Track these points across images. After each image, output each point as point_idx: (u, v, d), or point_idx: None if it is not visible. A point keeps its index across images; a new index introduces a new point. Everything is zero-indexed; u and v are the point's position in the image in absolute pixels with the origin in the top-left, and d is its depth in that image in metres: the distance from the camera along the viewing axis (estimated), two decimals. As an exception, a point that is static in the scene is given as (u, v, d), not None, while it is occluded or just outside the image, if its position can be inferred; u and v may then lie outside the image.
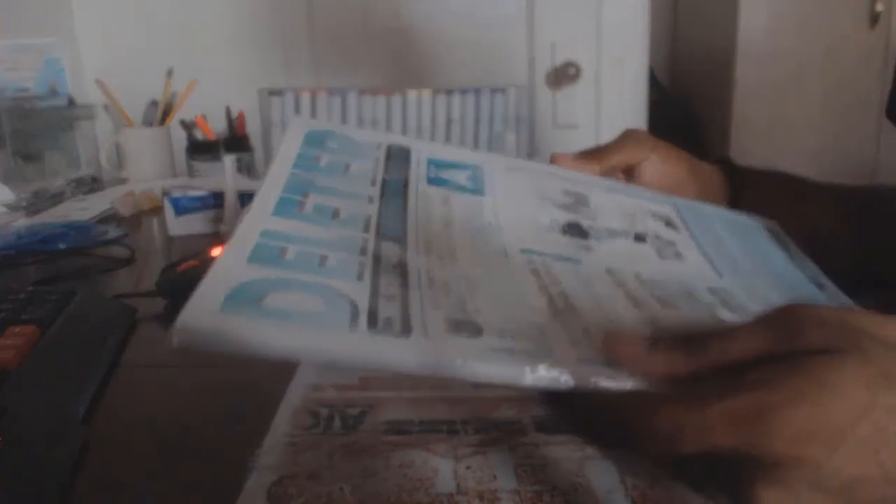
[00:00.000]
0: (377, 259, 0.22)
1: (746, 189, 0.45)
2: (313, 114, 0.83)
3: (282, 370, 0.35)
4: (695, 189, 0.42)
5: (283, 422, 0.30)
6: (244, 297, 0.19)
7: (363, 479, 0.25)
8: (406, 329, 0.19)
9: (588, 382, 0.19)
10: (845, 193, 0.48)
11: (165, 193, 0.73)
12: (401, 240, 0.24)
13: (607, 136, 0.43)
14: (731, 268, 0.31)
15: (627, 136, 0.42)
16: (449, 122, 0.84)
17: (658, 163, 0.42)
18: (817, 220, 0.45)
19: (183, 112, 1.12)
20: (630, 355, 0.21)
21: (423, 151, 0.30)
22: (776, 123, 1.59)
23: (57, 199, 0.95)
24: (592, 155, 0.39)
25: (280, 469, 0.26)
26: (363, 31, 1.30)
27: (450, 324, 0.20)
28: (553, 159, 0.38)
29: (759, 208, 0.42)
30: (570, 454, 0.27)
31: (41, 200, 0.91)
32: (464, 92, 0.84)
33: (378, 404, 0.31)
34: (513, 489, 0.25)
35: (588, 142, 0.43)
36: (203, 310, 0.19)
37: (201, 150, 1.02)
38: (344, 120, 0.83)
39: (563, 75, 1.32)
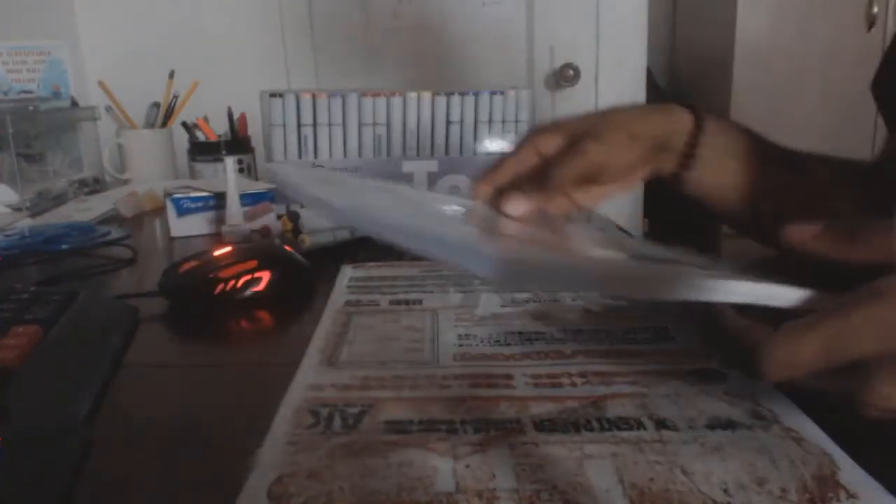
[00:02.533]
0: None
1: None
2: (314, 115, 0.83)
3: (282, 370, 0.35)
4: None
5: (283, 421, 0.30)
6: None
7: (363, 478, 0.26)
8: None
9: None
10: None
11: (167, 194, 0.73)
12: None
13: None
14: None
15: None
16: (448, 123, 0.84)
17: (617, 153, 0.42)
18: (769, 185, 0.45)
19: (185, 113, 1.12)
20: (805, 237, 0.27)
21: None
22: (774, 124, 1.59)
23: (60, 199, 0.95)
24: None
25: (280, 468, 0.26)
26: (363, 32, 1.31)
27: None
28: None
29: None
30: (568, 453, 0.27)
31: (44, 201, 0.92)
32: (463, 94, 0.84)
33: (378, 404, 0.31)
34: (511, 488, 0.25)
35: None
36: None
37: (203, 151, 1.02)
38: (344, 121, 0.83)
39: (562, 77, 1.32)
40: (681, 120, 0.44)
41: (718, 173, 0.44)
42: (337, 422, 0.30)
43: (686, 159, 0.43)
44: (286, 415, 0.30)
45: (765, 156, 0.45)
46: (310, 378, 0.34)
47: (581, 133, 0.42)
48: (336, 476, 0.26)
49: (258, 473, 0.26)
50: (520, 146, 0.43)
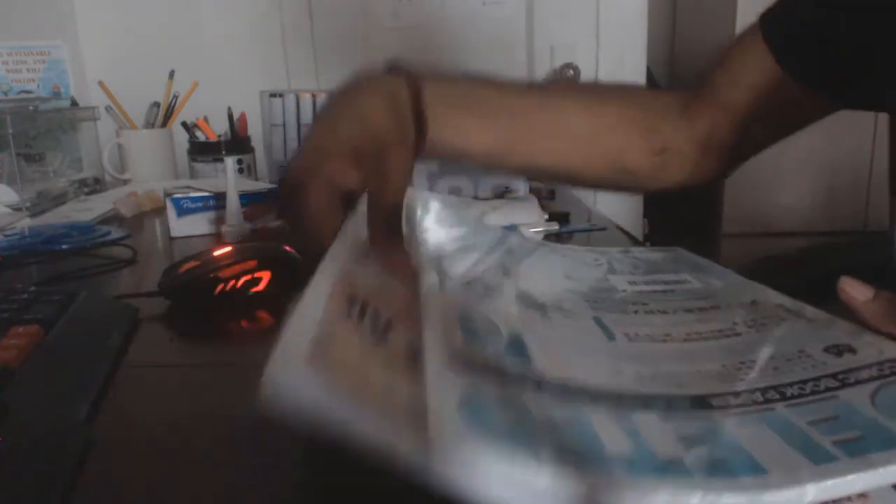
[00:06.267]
0: None
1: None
2: (314, 115, 0.83)
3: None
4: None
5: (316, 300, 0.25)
6: None
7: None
8: None
9: None
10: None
11: (167, 194, 0.73)
12: None
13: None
14: None
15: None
16: (449, 123, 0.84)
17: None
18: None
19: (184, 113, 1.12)
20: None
21: None
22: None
23: (59, 200, 0.95)
24: None
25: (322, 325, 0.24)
26: (363, 33, 1.31)
27: None
28: None
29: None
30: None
31: (44, 201, 0.92)
32: (464, 93, 0.84)
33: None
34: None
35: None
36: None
37: (203, 151, 1.02)
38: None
39: (562, 77, 1.32)
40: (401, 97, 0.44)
41: (453, 133, 0.45)
42: (367, 322, 0.26)
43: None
44: (319, 296, 0.25)
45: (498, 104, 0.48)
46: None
47: (362, 153, 0.39)
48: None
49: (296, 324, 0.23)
50: (309, 188, 0.38)
